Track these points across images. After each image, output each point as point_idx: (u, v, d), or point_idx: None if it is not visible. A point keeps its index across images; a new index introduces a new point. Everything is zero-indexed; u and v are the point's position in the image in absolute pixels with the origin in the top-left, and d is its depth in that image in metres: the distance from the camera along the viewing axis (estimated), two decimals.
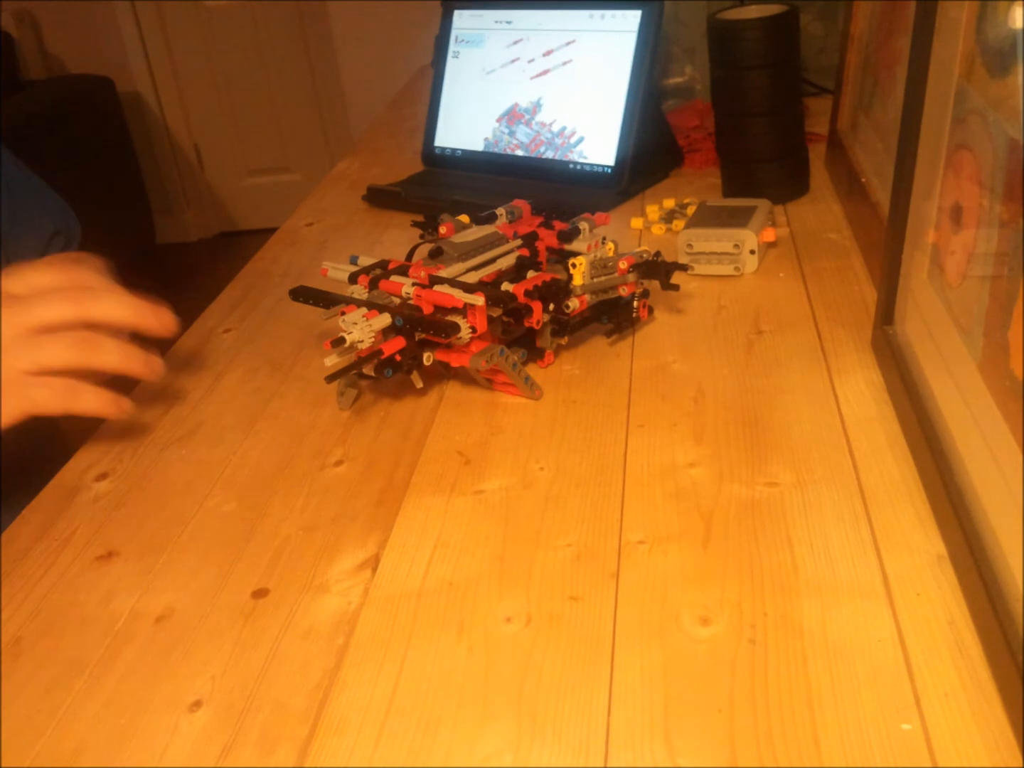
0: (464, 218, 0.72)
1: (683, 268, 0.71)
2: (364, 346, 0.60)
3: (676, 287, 0.70)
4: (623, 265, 0.67)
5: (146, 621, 0.51)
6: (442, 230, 0.71)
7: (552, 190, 1.00)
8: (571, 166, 1.01)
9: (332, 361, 0.60)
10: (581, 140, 1.00)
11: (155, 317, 0.59)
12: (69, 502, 0.62)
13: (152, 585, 0.54)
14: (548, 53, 1.03)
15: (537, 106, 1.03)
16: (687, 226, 0.80)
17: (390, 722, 0.43)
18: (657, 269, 0.69)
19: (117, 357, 0.57)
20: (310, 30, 3.19)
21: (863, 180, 0.80)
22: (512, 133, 1.05)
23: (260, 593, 0.52)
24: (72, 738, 0.45)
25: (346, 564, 0.53)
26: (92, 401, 0.57)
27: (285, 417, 0.68)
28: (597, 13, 0.99)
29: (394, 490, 0.58)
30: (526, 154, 1.04)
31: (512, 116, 1.05)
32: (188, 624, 0.50)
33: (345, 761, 0.41)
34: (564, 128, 1.02)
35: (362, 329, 0.60)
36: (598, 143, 0.99)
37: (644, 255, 0.68)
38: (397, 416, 0.66)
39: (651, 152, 0.99)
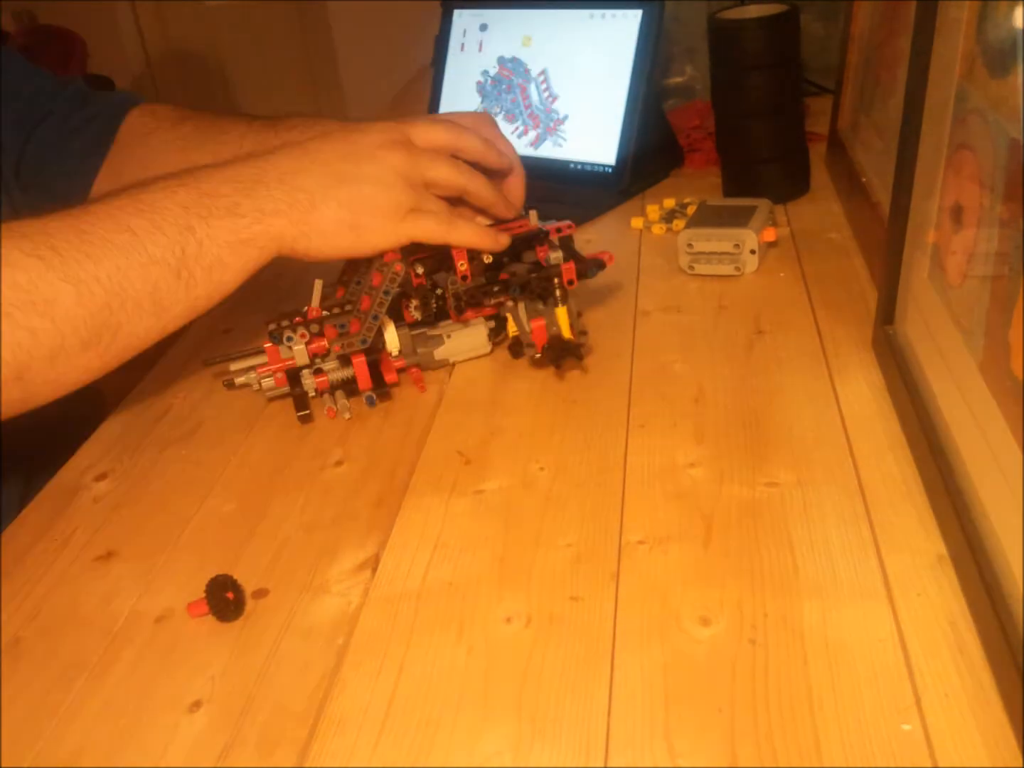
0: None
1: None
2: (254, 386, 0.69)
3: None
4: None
5: (146, 621, 0.51)
6: None
7: (553, 190, 1.00)
8: (572, 165, 1.01)
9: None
10: (579, 140, 1.00)
11: (507, 208, 0.71)
12: (69, 502, 0.62)
13: (152, 585, 0.54)
14: (548, 53, 1.03)
15: (536, 80, 1.03)
16: (687, 226, 0.80)
17: (390, 722, 0.43)
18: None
19: (473, 230, 0.66)
20: (310, 30, 3.19)
21: (863, 180, 0.80)
22: (511, 105, 1.05)
23: (260, 593, 0.52)
24: (72, 738, 0.45)
25: (346, 564, 0.53)
26: (469, 231, 0.65)
27: (285, 417, 0.68)
28: (598, 13, 0.99)
29: (394, 490, 0.58)
30: (524, 128, 1.04)
31: (511, 88, 1.05)
32: (188, 624, 0.50)
33: (345, 761, 0.41)
34: (562, 100, 1.02)
35: (250, 377, 0.69)
36: (599, 143, 0.99)
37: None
38: (397, 416, 0.66)
39: (651, 152, 0.99)
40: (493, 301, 0.68)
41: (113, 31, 3.23)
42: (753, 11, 0.87)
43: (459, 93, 1.10)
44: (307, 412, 0.66)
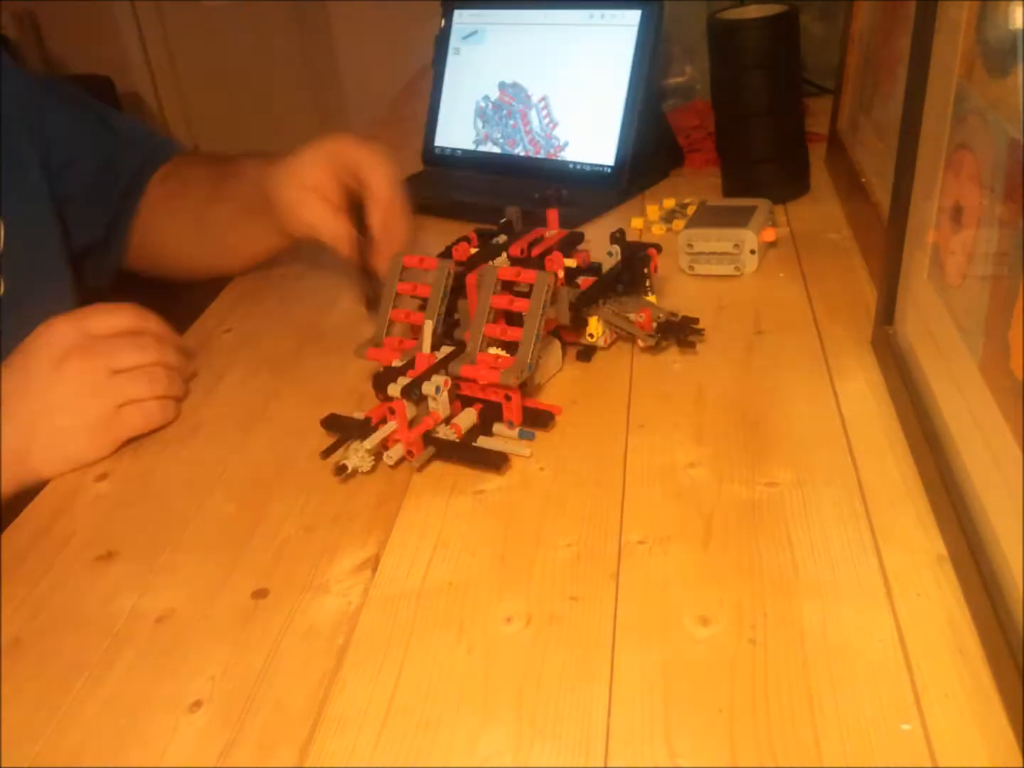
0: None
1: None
2: (366, 469, 0.59)
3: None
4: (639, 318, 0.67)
5: (146, 621, 0.51)
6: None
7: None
8: (571, 166, 1.01)
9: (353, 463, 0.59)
10: (578, 140, 1.00)
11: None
12: (69, 502, 0.62)
13: (152, 585, 0.54)
14: (548, 52, 1.03)
15: (537, 106, 1.03)
16: (687, 226, 0.80)
17: (390, 722, 0.43)
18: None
19: (174, 406, 0.70)
20: (310, 30, 3.19)
21: (863, 180, 0.80)
22: (511, 130, 1.05)
23: (260, 593, 0.52)
24: (72, 738, 0.45)
25: (346, 564, 0.53)
26: (173, 408, 0.69)
27: (285, 417, 0.68)
28: (597, 12, 0.99)
29: (394, 490, 0.58)
30: (525, 153, 1.04)
31: (512, 114, 1.05)
32: (188, 624, 0.50)
33: (345, 761, 0.41)
34: (562, 126, 1.02)
35: (362, 458, 0.59)
36: (598, 143, 0.99)
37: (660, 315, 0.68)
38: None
39: (651, 152, 0.99)
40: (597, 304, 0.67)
41: (113, 31, 3.23)
42: (753, 11, 0.87)
43: (459, 93, 1.10)
44: (501, 466, 0.58)
